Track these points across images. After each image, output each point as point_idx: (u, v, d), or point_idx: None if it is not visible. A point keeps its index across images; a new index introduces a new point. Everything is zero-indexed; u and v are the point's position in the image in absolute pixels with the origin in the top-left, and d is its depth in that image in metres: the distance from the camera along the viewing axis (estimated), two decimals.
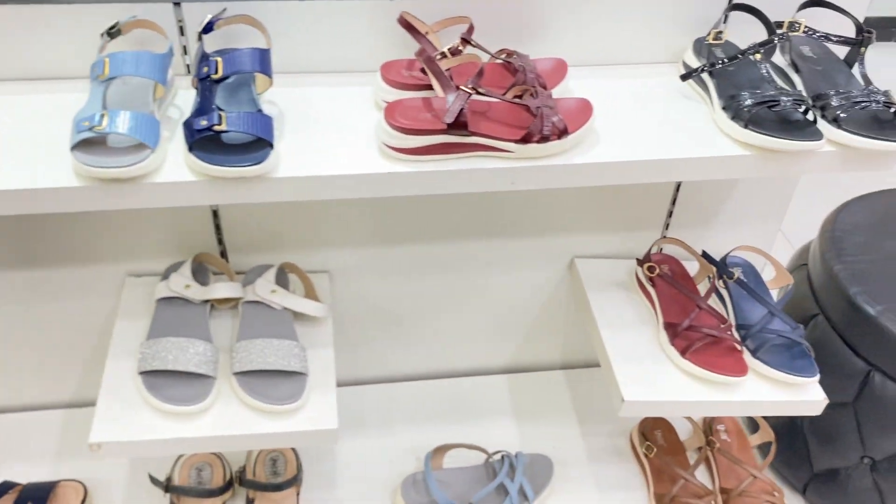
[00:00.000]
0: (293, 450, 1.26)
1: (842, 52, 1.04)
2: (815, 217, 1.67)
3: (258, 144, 0.82)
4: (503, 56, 0.97)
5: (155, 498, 1.21)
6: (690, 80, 1.02)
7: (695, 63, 1.02)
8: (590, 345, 1.47)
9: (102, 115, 0.79)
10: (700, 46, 1.03)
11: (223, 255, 1.20)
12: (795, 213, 2.22)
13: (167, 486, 1.15)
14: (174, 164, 0.83)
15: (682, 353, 1.11)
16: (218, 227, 1.17)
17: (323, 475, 1.28)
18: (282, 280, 1.16)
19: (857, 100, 0.94)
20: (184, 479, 1.21)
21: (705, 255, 1.22)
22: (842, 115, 0.94)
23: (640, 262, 1.22)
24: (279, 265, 1.16)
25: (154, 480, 1.16)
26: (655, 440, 1.33)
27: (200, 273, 1.15)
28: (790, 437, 1.66)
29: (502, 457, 1.28)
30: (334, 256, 1.24)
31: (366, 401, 1.40)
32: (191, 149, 0.81)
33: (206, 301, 1.12)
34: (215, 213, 1.15)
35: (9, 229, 1.12)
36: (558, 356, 1.49)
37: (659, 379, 1.11)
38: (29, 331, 1.24)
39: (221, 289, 1.10)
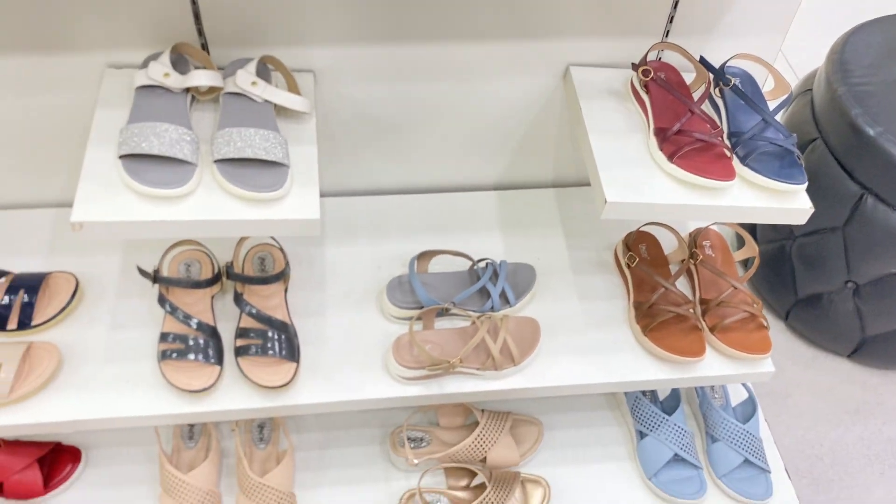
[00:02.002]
0: (280, 249, 1.28)
1: None
2: (826, 49, 1.60)
3: None
4: None
5: (146, 291, 1.24)
6: None
7: None
8: (582, 163, 1.46)
9: None
10: None
11: (204, 48, 1.16)
12: (805, 45, 2.17)
13: (155, 277, 1.18)
14: None
15: (670, 157, 1.09)
16: (197, 17, 1.12)
17: (311, 277, 1.30)
18: (263, 74, 1.13)
19: None
20: (172, 274, 1.24)
21: (703, 61, 1.18)
22: None
23: (636, 67, 1.18)
24: (260, 58, 1.12)
25: (142, 272, 1.18)
26: (639, 252, 1.34)
27: (181, 64, 1.12)
28: (777, 263, 1.69)
29: (486, 264, 1.29)
30: (319, 55, 1.20)
31: (354, 211, 1.41)
32: None
33: (187, 91, 1.09)
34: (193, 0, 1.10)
35: None
36: (550, 174, 1.48)
37: (645, 183, 1.10)
38: (13, 125, 1.23)
39: (200, 76, 1.07)
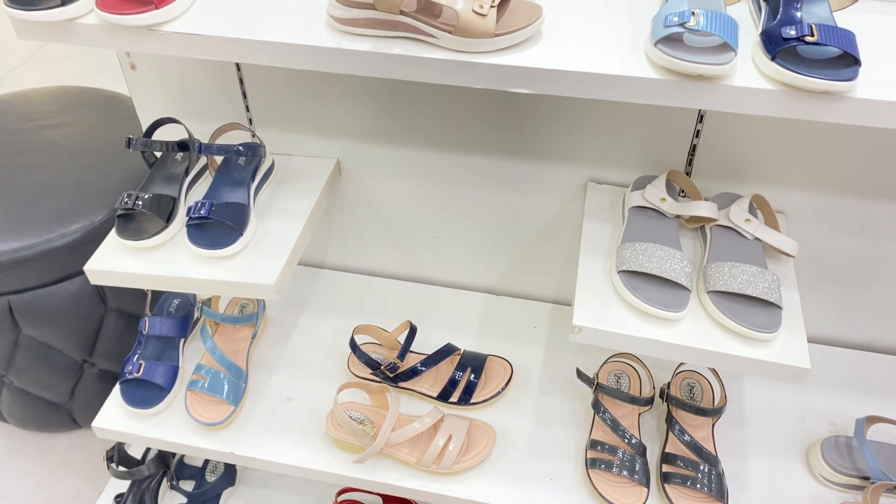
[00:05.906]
0: (718, 383, 1.25)
1: None
2: None
3: (840, 60, 0.80)
4: None
5: (567, 390, 1.29)
6: None
7: None
8: None
9: (693, 13, 0.81)
10: None
11: (688, 175, 1.21)
12: None
13: (596, 384, 1.21)
14: (742, 69, 0.83)
15: None
16: (692, 151, 1.17)
17: (731, 414, 1.27)
18: (751, 211, 1.14)
19: None
20: (603, 382, 1.27)
21: None
22: None
23: None
24: (751, 196, 1.14)
25: (582, 376, 1.22)
26: None
27: (669, 190, 1.17)
28: None
29: None
30: (795, 199, 1.19)
31: None
32: (773, 57, 0.81)
33: (676, 217, 1.13)
34: (697, 133, 1.15)
35: (500, 121, 1.22)
36: None
37: None
38: (483, 215, 1.35)
39: (700, 207, 1.10)
